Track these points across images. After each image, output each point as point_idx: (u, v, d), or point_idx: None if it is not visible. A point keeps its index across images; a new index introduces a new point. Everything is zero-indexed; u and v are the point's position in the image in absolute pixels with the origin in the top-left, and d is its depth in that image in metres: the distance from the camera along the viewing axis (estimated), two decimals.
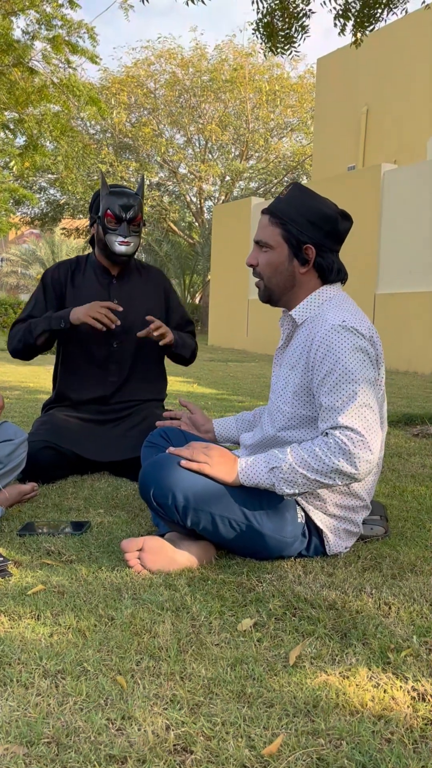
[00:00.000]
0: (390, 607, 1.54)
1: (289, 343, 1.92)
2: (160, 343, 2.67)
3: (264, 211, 1.87)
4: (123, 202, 2.71)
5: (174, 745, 1.06)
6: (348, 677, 1.26)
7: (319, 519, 1.81)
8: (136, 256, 2.89)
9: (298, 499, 1.80)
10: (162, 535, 1.84)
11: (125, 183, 20.40)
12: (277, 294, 1.88)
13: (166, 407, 3.05)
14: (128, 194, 2.74)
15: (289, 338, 1.92)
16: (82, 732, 1.08)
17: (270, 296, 1.90)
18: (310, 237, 1.79)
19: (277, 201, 1.85)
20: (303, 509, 1.81)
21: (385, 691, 1.22)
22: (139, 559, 1.73)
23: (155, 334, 2.63)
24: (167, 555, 1.74)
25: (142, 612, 1.49)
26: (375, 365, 1.76)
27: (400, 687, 1.23)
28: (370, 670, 1.29)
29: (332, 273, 1.84)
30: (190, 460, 1.74)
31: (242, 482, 1.72)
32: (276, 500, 1.76)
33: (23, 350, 2.77)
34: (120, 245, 2.73)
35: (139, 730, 1.09)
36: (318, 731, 1.09)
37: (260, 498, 1.75)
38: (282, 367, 1.91)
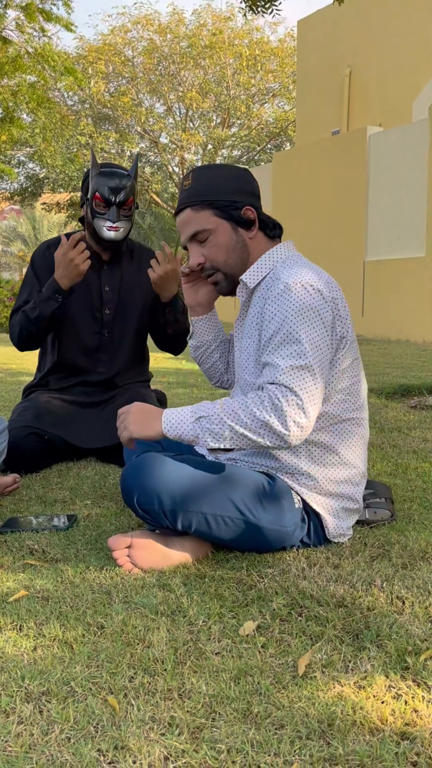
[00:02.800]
0: (404, 602, 1.42)
1: (246, 312, 1.81)
2: (163, 296, 2.52)
3: (177, 211, 1.78)
4: (114, 183, 2.51)
5: None
6: (364, 687, 1.14)
7: (316, 501, 1.69)
8: None
9: (290, 483, 1.68)
10: (153, 530, 1.71)
11: (105, 154, 20.00)
12: (236, 273, 1.78)
13: (152, 386, 2.91)
14: (120, 175, 2.54)
15: (246, 307, 1.80)
16: (69, 767, 0.95)
17: (234, 283, 1.80)
18: (241, 200, 1.73)
19: (184, 193, 1.77)
20: (297, 493, 1.69)
21: (406, 703, 1.10)
22: (129, 556, 1.60)
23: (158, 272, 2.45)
24: (159, 551, 1.61)
25: (134, 618, 1.37)
26: (329, 327, 1.63)
27: (423, 697, 1.11)
28: (387, 678, 1.17)
29: (273, 228, 1.78)
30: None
31: (165, 432, 1.57)
32: (270, 489, 1.64)
33: (30, 343, 2.61)
34: (108, 231, 2.54)
35: (134, 763, 0.97)
36: (335, 757, 0.97)
37: (254, 489, 1.62)
38: (243, 337, 1.80)
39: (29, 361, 5.87)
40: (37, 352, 2.81)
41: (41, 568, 1.63)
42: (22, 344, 2.62)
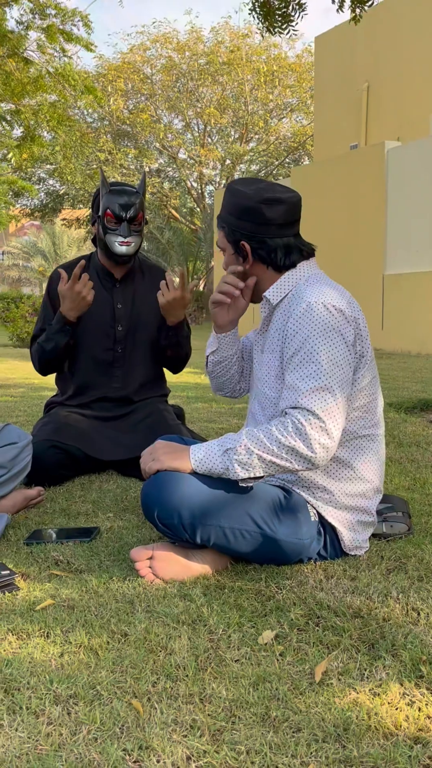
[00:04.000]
0: (419, 614, 1.46)
1: (267, 327, 1.85)
2: (168, 319, 2.60)
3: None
4: (123, 200, 2.61)
5: None
6: (379, 695, 1.18)
7: (331, 515, 1.73)
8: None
9: (306, 496, 1.72)
10: (173, 542, 1.76)
11: (124, 170, 20.24)
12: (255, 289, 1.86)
13: (171, 401, 2.97)
14: (129, 192, 2.64)
15: (267, 322, 1.85)
16: (97, 765, 1.01)
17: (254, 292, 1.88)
18: (243, 232, 1.76)
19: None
20: (313, 507, 1.73)
21: (419, 709, 1.14)
22: (150, 567, 1.65)
23: (166, 298, 2.53)
24: (180, 563, 1.66)
25: (156, 626, 1.42)
26: (351, 346, 1.67)
27: None
28: (402, 686, 1.21)
29: (278, 258, 1.77)
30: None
31: (194, 466, 1.62)
32: (286, 502, 1.68)
33: (50, 369, 2.74)
34: (120, 246, 2.63)
35: (158, 762, 1.01)
36: (350, 759, 1.02)
37: (270, 503, 1.66)
38: (265, 352, 1.84)
39: (49, 376, 5.97)
40: None
41: (66, 578, 1.69)
42: (44, 371, 2.75)
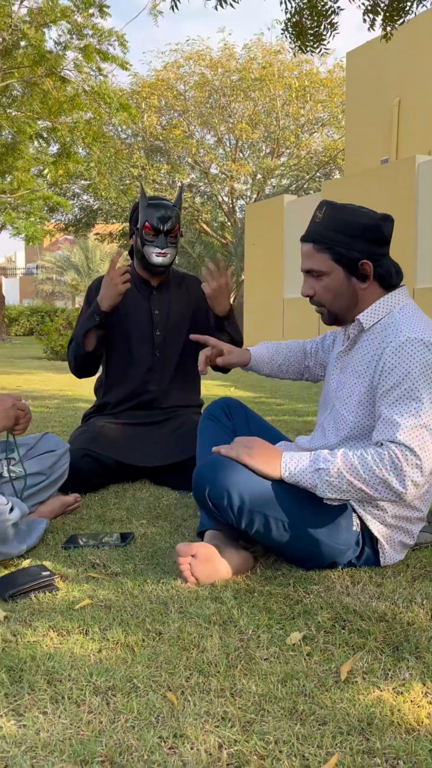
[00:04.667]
0: None
1: (352, 347, 1.87)
2: (216, 308, 2.66)
3: (304, 239, 1.82)
4: (161, 214, 2.73)
5: (227, 765, 1.05)
6: (402, 693, 1.24)
7: (377, 529, 1.77)
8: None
9: (356, 506, 1.76)
10: (202, 533, 1.82)
11: (157, 186, 20.50)
12: (343, 315, 1.84)
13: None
14: (166, 206, 2.76)
15: (352, 343, 1.86)
16: (135, 750, 1.08)
17: (336, 318, 1.86)
18: (361, 251, 1.75)
19: (313, 225, 1.80)
20: (360, 517, 1.77)
21: None
22: (190, 565, 1.71)
23: (212, 286, 2.59)
24: (214, 566, 1.73)
25: (189, 626, 1.49)
26: None
27: None
28: (424, 685, 1.26)
29: (392, 277, 1.79)
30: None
31: (284, 477, 1.66)
32: (332, 506, 1.72)
33: (82, 365, 2.79)
34: (157, 256, 2.75)
35: (191, 748, 1.08)
36: (373, 750, 1.07)
37: (316, 502, 1.70)
38: (346, 373, 1.85)
39: (84, 387, 6.09)
40: (93, 380, 2.99)
41: (103, 580, 1.77)
42: (77, 369, 2.82)
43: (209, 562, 1.72)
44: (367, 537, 1.79)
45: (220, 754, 1.07)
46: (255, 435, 2.06)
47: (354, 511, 1.77)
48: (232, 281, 21.83)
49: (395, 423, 1.62)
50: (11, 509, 1.81)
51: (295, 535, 1.71)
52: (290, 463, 1.67)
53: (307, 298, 1.87)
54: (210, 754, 1.07)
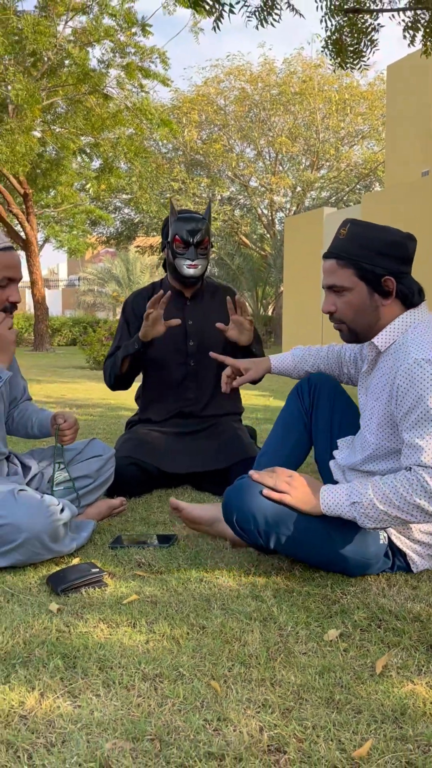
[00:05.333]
0: None
1: (373, 369, 1.91)
2: (240, 341, 2.71)
3: (327, 255, 1.84)
4: (190, 227, 2.83)
5: (268, 746, 1.12)
6: None
7: (403, 543, 1.82)
8: (208, 271, 2.98)
9: None
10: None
11: (197, 199, 20.73)
12: (364, 332, 1.86)
13: (243, 421, 3.12)
14: (195, 219, 2.86)
15: (372, 364, 1.91)
16: (182, 731, 1.16)
17: (356, 336, 1.88)
18: (385, 268, 1.78)
19: (337, 241, 1.83)
20: (385, 531, 1.82)
21: None
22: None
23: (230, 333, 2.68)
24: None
25: (231, 622, 1.57)
26: None
27: None
28: None
29: (414, 295, 1.81)
30: (272, 489, 1.75)
31: (324, 512, 1.72)
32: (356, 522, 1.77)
33: (116, 383, 2.92)
34: (188, 268, 2.84)
35: (234, 730, 1.16)
36: (406, 737, 1.14)
37: (341, 519, 1.76)
38: (368, 396, 1.90)
39: (126, 396, 6.23)
40: (134, 387, 3.10)
41: (148, 578, 1.86)
42: (112, 385, 2.94)
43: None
44: (396, 550, 1.84)
45: (261, 736, 1.15)
46: (334, 420, 2.11)
47: None
48: (271, 292, 21.69)
49: (418, 447, 1.64)
50: (62, 509, 1.92)
51: (322, 552, 1.77)
52: (328, 498, 1.71)
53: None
54: (251, 736, 1.15)
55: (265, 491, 1.75)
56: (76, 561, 1.97)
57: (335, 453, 2.06)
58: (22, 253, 17.63)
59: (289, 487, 1.74)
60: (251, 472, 1.81)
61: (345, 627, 1.56)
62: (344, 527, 1.77)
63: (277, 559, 1.97)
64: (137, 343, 2.76)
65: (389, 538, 1.82)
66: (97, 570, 1.81)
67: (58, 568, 1.92)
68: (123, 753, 1.10)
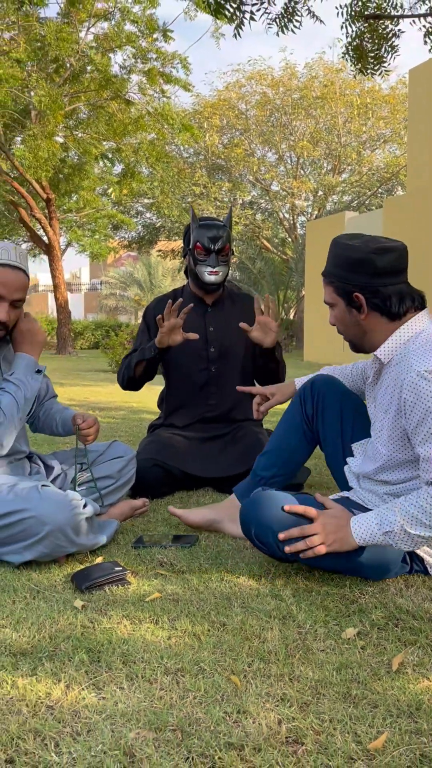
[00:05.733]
0: None
1: (378, 380, 1.93)
2: (265, 343, 2.74)
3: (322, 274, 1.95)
4: (212, 234, 2.87)
5: (286, 737, 1.16)
6: None
7: (423, 550, 1.85)
8: (230, 275, 3.04)
9: None
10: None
11: (218, 203, 20.82)
12: (359, 344, 1.91)
13: (264, 425, 3.16)
14: (216, 226, 2.90)
15: (377, 375, 1.93)
16: (203, 722, 1.20)
17: (355, 347, 1.93)
18: (355, 284, 1.82)
19: (327, 260, 1.92)
20: None
21: None
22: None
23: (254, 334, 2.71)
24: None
25: (251, 619, 1.61)
26: None
27: None
28: None
29: (392, 306, 1.81)
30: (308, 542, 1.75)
31: (360, 545, 1.73)
32: None
33: (127, 383, 2.98)
34: (209, 275, 2.89)
35: (253, 722, 1.20)
36: (421, 731, 1.17)
37: None
38: (377, 407, 1.92)
39: (149, 398, 6.28)
40: (157, 392, 3.15)
41: (170, 577, 1.91)
42: (123, 385, 3.01)
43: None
44: (414, 554, 1.86)
45: (279, 728, 1.19)
46: (345, 425, 2.13)
47: None
48: (293, 296, 21.70)
49: None
50: (85, 505, 1.97)
51: (340, 561, 1.79)
52: (361, 532, 1.72)
53: None
54: (270, 728, 1.18)
55: (293, 548, 1.74)
56: (99, 560, 2.02)
57: (349, 460, 2.08)
58: (44, 257, 17.81)
59: (321, 538, 1.74)
60: (280, 536, 1.77)
61: (363, 626, 1.59)
62: None
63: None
64: (153, 349, 2.81)
65: None
66: (121, 568, 1.86)
67: (82, 567, 1.97)
68: (146, 742, 1.14)
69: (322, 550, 1.73)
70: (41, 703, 1.27)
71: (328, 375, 2.22)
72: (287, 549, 1.75)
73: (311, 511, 1.77)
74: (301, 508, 1.77)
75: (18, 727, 1.19)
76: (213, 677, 1.36)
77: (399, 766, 1.08)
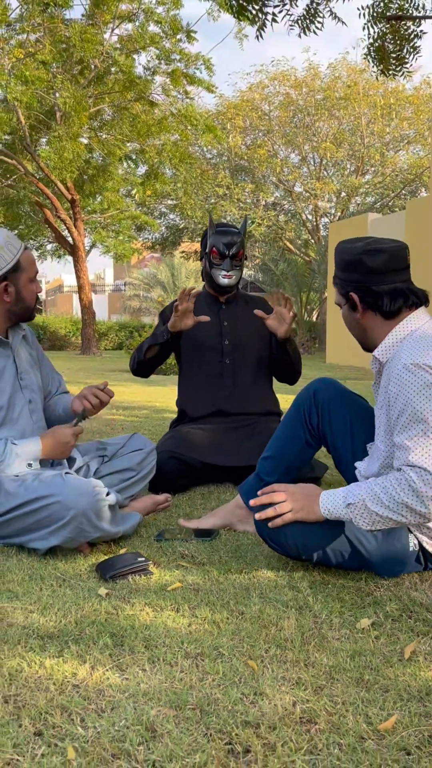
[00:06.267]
0: None
1: (379, 380, 1.98)
2: (279, 334, 2.84)
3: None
4: (227, 240, 3.01)
5: (300, 717, 1.22)
6: None
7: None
8: (250, 277, 3.14)
9: (412, 528, 1.85)
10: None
11: (241, 204, 20.88)
12: (362, 343, 1.98)
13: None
14: (232, 233, 3.05)
15: (378, 376, 1.97)
16: (221, 702, 1.26)
17: (363, 346, 1.99)
18: (352, 285, 1.89)
19: None
20: (417, 538, 1.86)
21: None
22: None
23: (269, 321, 2.83)
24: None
25: (268, 609, 1.66)
26: None
27: None
28: None
29: (385, 304, 1.86)
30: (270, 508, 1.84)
31: (325, 517, 1.79)
32: (386, 532, 1.83)
33: (137, 367, 3.11)
34: (223, 278, 3.04)
35: (269, 703, 1.26)
36: (430, 714, 1.22)
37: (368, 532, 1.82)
38: (377, 405, 1.97)
39: (171, 398, 6.36)
40: (175, 392, 3.25)
41: (191, 568, 1.97)
42: (133, 369, 3.15)
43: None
44: (429, 554, 1.89)
45: (293, 709, 1.24)
46: (355, 430, 2.18)
47: (410, 531, 1.86)
48: (315, 298, 21.71)
49: (406, 447, 1.69)
50: (108, 493, 2.04)
51: (353, 561, 1.84)
52: (327, 503, 1.79)
53: None
54: (285, 709, 1.24)
55: (263, 514, 1.83)
56: (123, 551, 2.09)
57: (357, 464, 2.13)
58: (69, 258, 17.99)
59: (289, 505, 1.82)
60: (251, 501, 1.89)
61: (377, 617, 1.64)
62: (373, 536, 1.83)
63: None
64: (166, 333, 2.92)
65: (420, 545, 1.87)
66: (143, 559, 1.92)
67: (106, 557, 2.04)
68: (167, 719, 1.20)
69: (289, 517, 1.81)
70: (67, 682, 1.34)
71: (328, 379, 2.26)
72: (257, 516, 1.84)
73: (278, 486, 1.86)
74: (265, 498, 1.85)
75: (46, 703, 1.26)
76: (231, 661, 1.41)
77: (408, 746, 1.13)
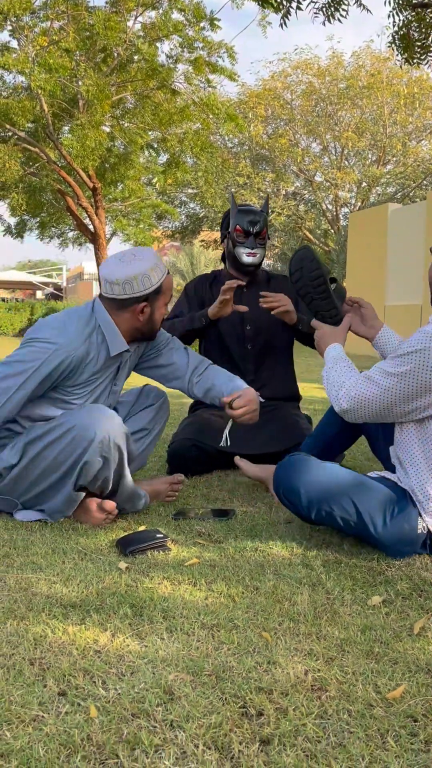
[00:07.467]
0: None
1: None
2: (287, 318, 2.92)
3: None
4: (250, 218, 3.06)
5: (312, 685, 1.27)
6: None
7: None
8: (269, 266, 3.17)
9: (422, 513, 1.89)
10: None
11: (261, 194, 20.82)
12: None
13: (301, 408, 3.26)
14: (255, 212, 3.09)
15: None
16: (235, 670, 1.31)
17: None
18: None
19: None
20: (426, 522, 1.89)
21: None
22: None
23: (266, 305, 2.89)
24: None
25: (282, 585, 1.72)
26: None
27: None
28: None
29: None
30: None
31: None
32: (397, 511, 1.87)
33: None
34: (248, 256, 3.07)
35: (282, 672, 1.31)
36: None
37: (381, 504, 1.87)
38: None
39: None
40: None
41: (208, 545, 2.02)
42: None
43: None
44: None
45: (305, 677, 1.29)
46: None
47: (420, 516, 1.90)
48: None
49: (377, 367, 1.93)
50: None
51: (359, 532, 1.89)
52: (331, 349, 2.19)
53: (410, 305, 2.11)
54: (297, 677, 1.29)
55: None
56: (142, 528, 2.15)
57: (391, 448, 2.17)
58: (90, 246, 18.05)
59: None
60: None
61: (388, 594, 1.68)
62: (383, 512, 1.87)
63: (327, 534, 2.11)
64: (205, 319, 2.97)
65: (429, 530, 1.90)
66: (162, 535, 1.98)
67: (126, 534, 2.10)
68: (184, 683, 1.26)
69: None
70: (89, 647, 1.40)
71: None
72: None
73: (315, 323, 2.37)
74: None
75: (69, 666, 1.32)
76: (246, 633, 1.47)
77: (414, 713, 1.18)
